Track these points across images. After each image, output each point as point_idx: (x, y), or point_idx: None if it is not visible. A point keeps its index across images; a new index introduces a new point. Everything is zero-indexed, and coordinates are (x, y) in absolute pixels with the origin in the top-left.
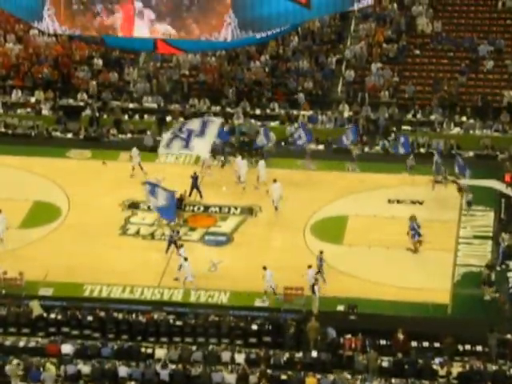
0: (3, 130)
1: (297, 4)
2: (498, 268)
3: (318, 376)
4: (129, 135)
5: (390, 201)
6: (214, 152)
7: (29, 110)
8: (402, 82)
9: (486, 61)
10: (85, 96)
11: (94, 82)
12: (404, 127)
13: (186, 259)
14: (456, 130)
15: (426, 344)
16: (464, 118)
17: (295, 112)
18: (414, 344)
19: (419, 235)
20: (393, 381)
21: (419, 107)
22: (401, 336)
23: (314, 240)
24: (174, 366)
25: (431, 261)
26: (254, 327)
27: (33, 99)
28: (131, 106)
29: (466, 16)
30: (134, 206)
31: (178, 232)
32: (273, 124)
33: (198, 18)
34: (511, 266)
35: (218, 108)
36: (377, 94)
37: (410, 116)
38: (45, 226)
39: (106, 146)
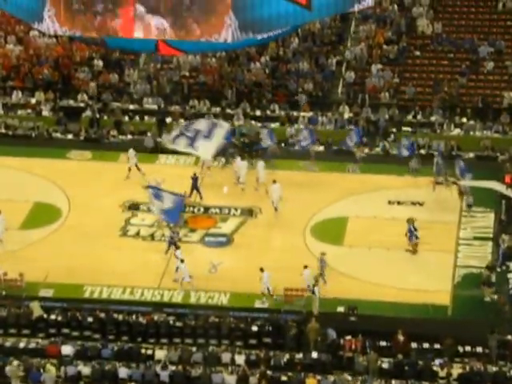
0: (3, 131)
1: (297, 5)
2: (499, 269)
3: (319, 377)
4: (129, 136)
5: (390, 202)
6: (216, 153)
7: (29, 111)
8: (403, 84)
9: (487, 62)
10: (85, 97)
11: (93, 84)
12: (404, 128)
13: (182, 261)
14: (456, 131)
15: (426, 345)
16: (464, 119)
17: (295, 113)
18: (414, 345)
19: (416, 238)
20: (393, 382)
21: (419, 108)
22: (401, 337)
23: (314, 241)
24: (174, 367)
25: (431, 262)
26: (254, 328)
27: (33, 100)
28: (131, 107)
29: (467, 17)
30: (134, 207)
31: (178, 233)
32: (273, 125)
33: (198, 19)
34: (511, 268)
35: (218, 109)
36: (377, 96)
37: (410, 117)
38: (45, 227)
39: (107, 147)
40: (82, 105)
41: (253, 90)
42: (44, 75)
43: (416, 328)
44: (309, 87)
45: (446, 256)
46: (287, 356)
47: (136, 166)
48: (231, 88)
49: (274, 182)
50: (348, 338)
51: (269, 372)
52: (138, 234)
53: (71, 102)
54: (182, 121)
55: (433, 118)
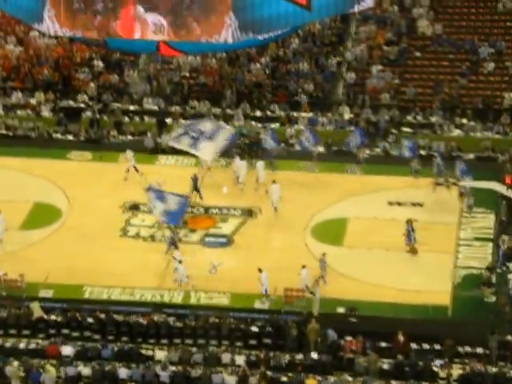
0: (4, 131)
1: (297, 6)
2: (499, 270)
3: (319, 378)
4: (129, 137)
5: (390, 203)
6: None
7: (29, 111)
8: (403, 85)
9: (487, 63)
10: (85, 98)
11: (93, 84)
12: (404, 129)
13: (180, 262)
14: (457, 132)
15: (426, 346)
16: (464, 120)
17: (295, 114)
18: (414, 346)
19: (414, 239)
20: (393, 383)
21: (420, 109)
22: (401, 338)
23: (314, 242)
24: (174, 368)
25: (431, 263)
26: (255, 329)
27: (33, 101)
28: (131, 107)
29: (467, 18)
30: (134, 207)
31: (178, 234)
32: (273, 126)
33: (198, 19)
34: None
35: (218, 110)
36: (377, 96)
37: (410, 118)
38: (45, 228)
39: (107, 148)
40: (82, 105)
41: (253, 90)
42: (44, 76)
43: (416, 329)
44: (309, 88)
45: (446, 257)
46: (287, 357)
47: (134, 167)
48: (231, 89)
49: (274, 182)
50: (348, 338)
51: (269, 373)
52: (138, 234)
53: (71, 103)
54: (182, 121)
55: (433, 119)
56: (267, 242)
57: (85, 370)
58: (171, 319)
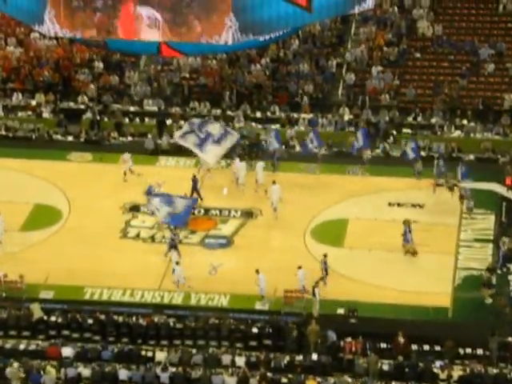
0: (4, 132)
1: (297, 7)
2: (499, 271)
3: (319, 379)
4: (129, 138)
5: (390, 204)
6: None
7: (29, 112)
8: (403, 86)
9: (487, 64)
10: (85, 99)
11: (92, 86)
12: (404, 130)
13: (177, 263)
14: (457, 133)
15: (426, 347)
16: (465, 121)
17: (295, 115)
18: (414, 347)
19: (410, 240)
20: None
21: (420, 110)
22: (401, 339)
23: (314, 243)
24: (174, 369)
25: (432, 264)
26: (255, 330)
27: (33, 102)
28: (132, 109)
29: (467, 19)
30: (134, 208)
31: (178, 235)
32: (273, 127)
33: (198, 20)
34: None
35: (218, 111)
36: (377, 97)
37: (410, 119)
38: (45, 229)
39: (107, 149)
40: (82, 107)
41: (253, 91)
42: (44, 77)
43: (416, 330)
44: (309, 89)
45: (447, 258)
46: (287, 358)
47: (130, 169)
48: (231, 90)
49: (274, 182)
50: (348, 339)
51: (269, 374)
52: (138, 235)
53: (71, 104)
54: (182, 122)
55: (433, 120)
56: (267, 243)
57: (85, 372)
58: (171, 320)
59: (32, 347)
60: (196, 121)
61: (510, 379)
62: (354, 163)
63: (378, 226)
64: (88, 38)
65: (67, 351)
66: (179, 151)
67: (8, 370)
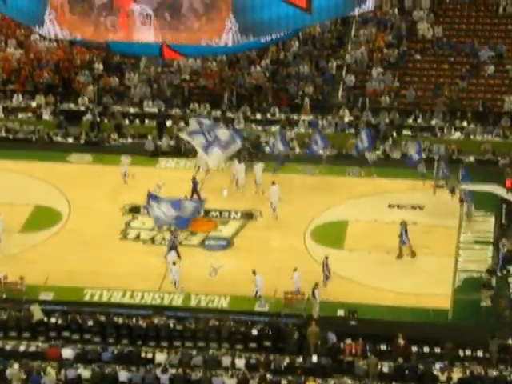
0: (4, 134)
1: (297, 9)
2: (499, 273)
3: (319, 381)
4: (129, 140)
5: (390, 206)
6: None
7: (30, 114)
8: (403, 87)
9: (487, 66)
10: (86, 100)
11: (90, 88)
12: (405, 132)
13: (174, 263)
14: (457, 135)
15: (426, 349)
16: (465, 123)
17: (295, 117)
18: (414, 349)
19: (406, 241)
20: None
21: (420, 112)
22: (401, 341)
23: (314, 245)
24: (174, 371)
25: (432, 266)
26: (255, 332)
27: (34, 104)
28: (132, 110)
29: (467, 21)
30: (134, 210)
31: (178, 236)
32: (273, 129)
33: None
34: None
35: (218, 112)
36: (377, 99)
37: (410, 121)
38: (45, 231)
39: (107, 151)
40: (82, 108)
41: (253, 93)
42: (44, 79)
43: (416, 332)
44: (309, 91)
45: (447, 260)
46: (287, 360)
47: (125, 173)
48: (231, 92)
49: (273, 183)
50: (348, 341)
51: (269, 376)
52: (138, 237)
53: (72, 106)
54: (182, 124)
55: (433, 122)
56: (267, 245)
57: (85, 373)
58: (171, 322)
59: (32, 348)
60: (206, 122)
61: (510, 381)
62: (354, 164)
63: (378, 227)
64: (89, 40)
65: (67, 352)
66: (179, 153)
67: (8, 371)
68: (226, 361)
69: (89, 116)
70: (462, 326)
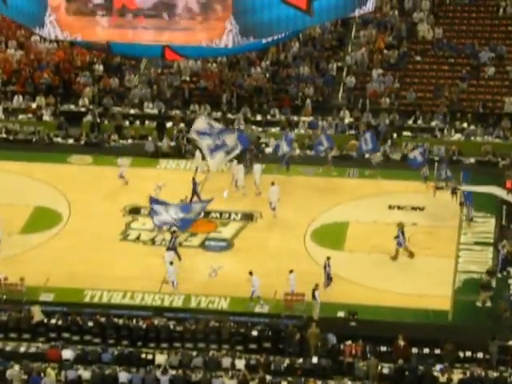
0: (4, 135)
1: (298, 10)
2: (499, 275)
3: (319, 382)
4: (130, 141)
5: (390, 207)
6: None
7: (30, 115)
8: (403, 89)
9: (487, 67)
10: (86, 101)
11: (88, 89)
12: (405, 133)
13: (171, 263)
14: (457, 137)
15: (426, 350)
16: (465, 125)
17: (295, 118)
18: (414, 350)
19: (403, 243)
20: None
21: (421, 113)
22: (401, 342)
23: (314, 246)
24: (174, 372)
25: (432, 267)
26: (255, 333)
27: (34, 105)
28: (132, 111)
29: (467, 22)
30: (134, 211)
31: (177, 237)
32: (273, 130)
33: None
34: None
35: (218, 114)
36: (377, 101)
37: (410, 122)
38: (45, 232)
39: (107, 152)
40: (82, 109)
41: (253, 94)
42: (45, 80)
43: (416, 333)
44: (309, 92)
45: (447, 261)
46: (287, 361)
47: (121, 175)
48: (231, 93)
49: (273, 183)
50: (348, 343)
51: (269, 377)
52: (138, 238)
53: (72, 107)
54: (182, 125)
55: (433, 123)
56: (267, 246)
57: (85, 374)
58: (171, 323)
59: (32, 350)
60: (217, 126)
61: (510, 383)
62: (354, 166)
63: (378, 228)
64: (91, 42)
65: (67, 354)
66: (179, 154)
67: (9, 372)
68: (226, 362)
69: (89, 117)
70: (462, 327)
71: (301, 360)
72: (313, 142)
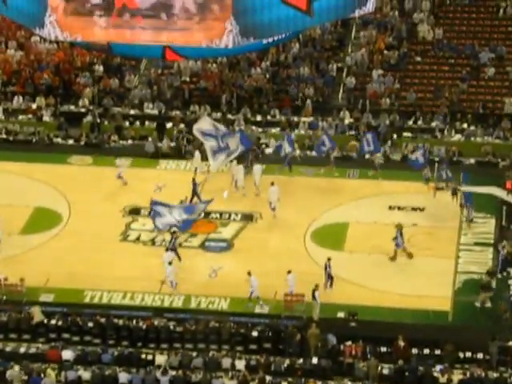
0: (4, 136)
1: (298, 11)
2: (499, 275)
3: (319, 383)
4: (130, 141)
5: (390, 207)
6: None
7: (30, 116)
8: (403, 89)
9: (487, 68)
10: (86, 102)
11: (87, 90)
12: (405, 134)
13: (170, 263)
14: (457, 137)
15: (426, 351)
16: (465, 125)
17: (295, 118)
18: (414, 351)
19: (400, 245)
20: None
21: (421, 114)
22: (401, 343)
23: (314, 246)
24: (174, 373)
25: (432, 268)
26: (255, 334)
27: (34, 105)
28: (132, 112)
29: (467, 23)
30: (134, 212)
31: (177, 238)
32: (274, 131)
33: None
34: None
35: (218, 114)
36: (378, 101)
37: (410, 123)
38: (45, 232)
39: (107, 152)
40: (82, 110)
41: (253, 95)
42: (45, 80)
43: (417, 334)
44: (309, 92)
45: (447, 262)
46: (287, 361)
47: (120, 176)
48: (231, 93)
49: (272, 183)
50: (348, 343)
51: (269, 377)
52: (138, 238)
53: (72, 108)
54: (182, 126)
55: (433, 124)
56: (267, 247)
57: (85, 375)
58: (171, 323)
59: (32, 350)
60: (222, 128)
61: (510, 383)
62: (354, 167)
63: (378, 229)
64: (91, 42)
65: (67, 354)
66: (179, 154)
67: (9, 373)
68: (226, 362)
69: (89, 118)
70: (462, 327)
71: (301, 360)
72: (313, 142)
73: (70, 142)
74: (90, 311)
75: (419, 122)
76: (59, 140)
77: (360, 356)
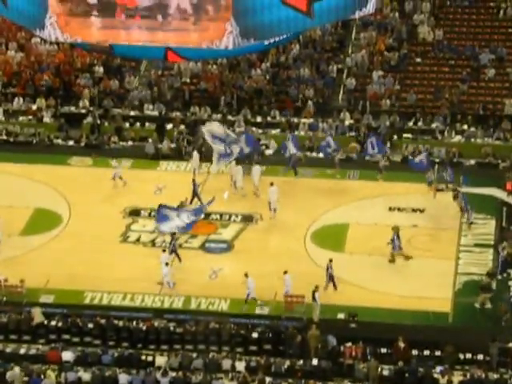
0: (5, 137)
1: (298, 12)
2: (499, 277)
3: None
4: (130, 143)
5: (390, 209)
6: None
7: (30, 117)
8: (404, 90)
9: (488, 69)
10: (86, 103)
11: (86, 91)
12: (405, 135)
13: (167, 264)
14: (457, 138)
15: (426, 352)
16: (465, 126)
17: (296, 120)
18: (414, 352)
19: (399, 248)
20: None
21: (421, 115)
22: (401, 344)
23: (314, 248)
24: (174, 374)
25: (432, 269)
26: (255, 335)
27: (34, 107)
28: (132, 113)
29: (468, 24)
30: (134, 213)
31: (177, 239)
32: (274, 132)
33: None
34: None
35: (219, 115)
36: (378, 102)
37: (411, 124)
38: (46, 234)
39: (108, 154)
40: (83, 111)
41: (253, 96)
42: (45, 82)
43: (417, 335)
44: (309, 94)
45: (447, 263)
46: (288, 363)
47: (119, 176)
48: (232, 95)
49: (272, 184)
50: (348, 344)
51: (269, 379)
52: (138, 240)
53: (72, 109)
54: (182, 127)
55: (434, 125)
56: (267, 248)
57: (85, 376)
58: (171, 325)
59: (32, 351)
60: (232, 135)
61: None
62: (354, 168)
63: (378, 230)
64: (92, 43)
65: (67, 355)
66: (180, 156)
67: (9, 374)
68: (226, 364)
69: (89, 119)
70: (462, 329)
71: (301, 362)
72: (313, 143)
73: (71, 143)
74: (90, 312)
75: (419, 124)
76: (59, 141)
77: (360, 357)
